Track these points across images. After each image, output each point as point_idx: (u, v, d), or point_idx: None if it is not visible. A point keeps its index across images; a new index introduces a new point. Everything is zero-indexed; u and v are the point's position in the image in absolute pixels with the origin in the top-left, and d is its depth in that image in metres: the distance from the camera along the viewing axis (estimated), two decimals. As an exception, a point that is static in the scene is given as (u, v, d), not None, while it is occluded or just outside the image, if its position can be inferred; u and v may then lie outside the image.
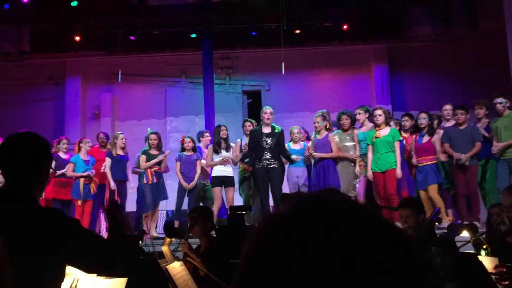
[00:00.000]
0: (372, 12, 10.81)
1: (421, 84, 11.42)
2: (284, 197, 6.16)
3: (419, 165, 7.36)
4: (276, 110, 11.73)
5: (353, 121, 7.63)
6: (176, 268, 3.46)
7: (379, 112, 7.24)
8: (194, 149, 8.26)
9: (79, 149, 8.40)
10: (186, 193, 8.16)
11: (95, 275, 2.45)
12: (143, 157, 8.17)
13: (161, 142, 8.48)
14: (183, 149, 8.32)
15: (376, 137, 7.14)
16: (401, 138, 7.29)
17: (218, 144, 7.86)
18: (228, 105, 11.63)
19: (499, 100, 7.21)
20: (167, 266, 3.37)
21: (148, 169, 8.09)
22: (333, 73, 12.09)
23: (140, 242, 4.72)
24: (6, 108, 11.60)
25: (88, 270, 2.09)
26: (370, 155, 7.19)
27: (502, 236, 3.11)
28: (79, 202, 8.07)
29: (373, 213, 0.63)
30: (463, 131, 7.28)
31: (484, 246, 2.95)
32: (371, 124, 7.52)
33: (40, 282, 1.86)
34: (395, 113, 9.74)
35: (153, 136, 8.30)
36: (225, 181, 7.83)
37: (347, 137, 7.58)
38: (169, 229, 4.36)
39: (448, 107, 7.74)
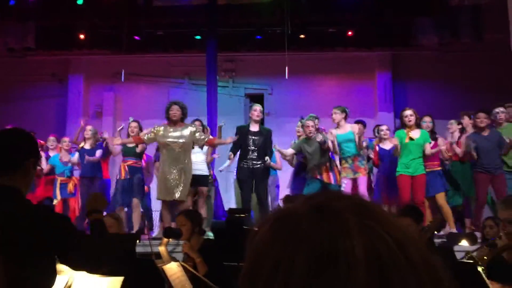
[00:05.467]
0: (378, 20, 10.82)
1: (425, 93, 11.40)
2: (286, 199, 6.09)
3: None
4: (278, 114, 11.80)
5: (184, 114, 6.89)
6: (172, 268, 3.44)
7: (410, 112, 6.82)
8: None
9: (60, 149, 8.21)
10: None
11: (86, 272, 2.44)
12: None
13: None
14: None
15: (410, 139, 6.71)
16: (431, 141, 6.91)
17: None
18: (230, 108, 11.61)
19: (500, 109, 7.06)
20: (163, 267, 3.36)
21: (122, 164, 7.58)
22: (336, 79, 12.08)
23: (138, 241, 4.71)
24: (9, 104, 11.60)
25: (74, 267, 2.09)
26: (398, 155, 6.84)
27: (498, 251, 3.06)
28: (55, 202, 7.88)
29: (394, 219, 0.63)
30: (488, 137, 6.86)
31: (479, 263, 2.91)
32: (349, 125, 7.21)
33: (31, 281, 1.84)
34: (397, 121, 9.70)
35: (133, 124, 7.57)
36: (198, 180, 7.15)
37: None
38: (166, 229, 4.35)
39: (427, 119, 7.36)
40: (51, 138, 8.52)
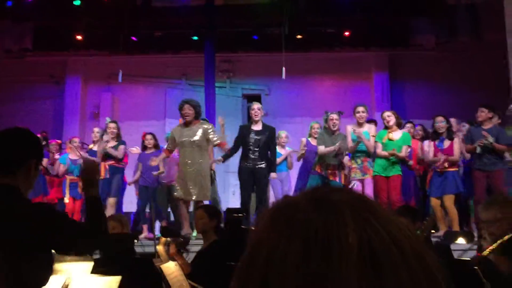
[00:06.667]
0: (375, 20, 10.84)
1: (422, 92, 11.42)
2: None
3: (438, 170, 6.81)
4: (275, 115, 11.79)
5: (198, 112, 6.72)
6: (170, 268, 3.44)
7: (388, 113, 6.99)
8: (156, 146, 7.76)
9: (69, 148, 8.28)
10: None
11: (89, 272, 2.44)
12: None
13: (121, 132, 7.78)
14: (144, 147, 7.86)
15: (389, 139, 6.79)
16: (410, 144, 6.97)
17: None
18: (228, 108, 11.61)
19: None
20: (161, 266, 3.36)
21: (103, 163, 7.46)
22: (333, 79, 12.09)
23: (136, 241, 4.71)
24: (6, 105, 11.58)
25: (66, 252, 2.09)
26: (380, 152, 6.81)
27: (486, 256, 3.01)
28: (66, 200, 7.94)
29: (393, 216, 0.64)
30: (488, 131, 6.70)
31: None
32: (367, 125, 7.19)
33: (28, 276, 1.84)
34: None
35: (112, 125, 7.64)
36: None
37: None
38: (163, 228, 4.35)
39: (439, 119, 7.21)
40: (76, 139, 8.54)
